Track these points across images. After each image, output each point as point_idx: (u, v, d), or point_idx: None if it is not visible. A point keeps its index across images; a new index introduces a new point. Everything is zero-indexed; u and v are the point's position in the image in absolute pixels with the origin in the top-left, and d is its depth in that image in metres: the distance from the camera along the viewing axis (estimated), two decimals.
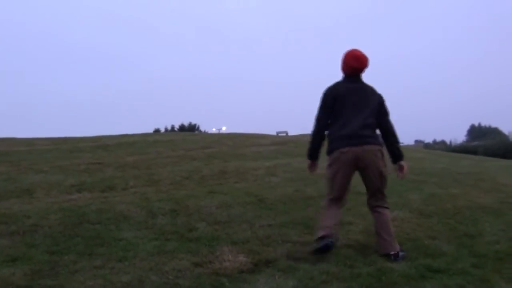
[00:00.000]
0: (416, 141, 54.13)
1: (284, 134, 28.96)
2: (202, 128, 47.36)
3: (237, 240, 3.92)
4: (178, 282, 3.06)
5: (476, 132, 77.31)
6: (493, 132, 46.78)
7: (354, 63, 3.79)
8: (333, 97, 3.75)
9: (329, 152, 3.81)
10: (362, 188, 6.02)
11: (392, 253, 3.53)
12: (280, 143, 11.54)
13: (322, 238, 3.52)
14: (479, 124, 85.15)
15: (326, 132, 3.85)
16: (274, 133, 28.34)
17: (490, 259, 3.54)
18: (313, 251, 3.55)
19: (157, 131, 40.18)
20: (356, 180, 6.74)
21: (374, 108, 3.78)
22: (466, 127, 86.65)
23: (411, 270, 3.26)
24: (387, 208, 3.80)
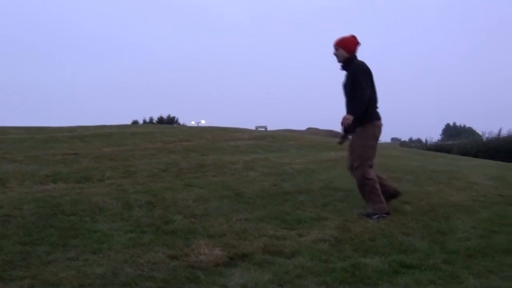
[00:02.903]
0: (393, 139, 54.70)
1: (263, 129, 29.00)
2: (181, 121, 47.05)
3: (213, 234, 3.93)
4: (153, 275, 3.05)
5: (451, 131, 78.50)
6: (467, 131, 47.53)
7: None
8: (369, 73, 4.78)
9: (370, 122, 4.78)
10: (338, 184, 6.13)
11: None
12: (259, 138, 11.55)
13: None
14: (454, 124, 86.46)
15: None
16: (253, 128, 28.36)
17: (460, 255, 3.62)
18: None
19: (135, 122, 39.77)
20: (334, 175, 6.80)
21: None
22: (442, 126, 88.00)
23: (384, 265, 3.31)
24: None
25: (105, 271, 3.08)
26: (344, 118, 4.70)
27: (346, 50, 4.81)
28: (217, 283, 2.95)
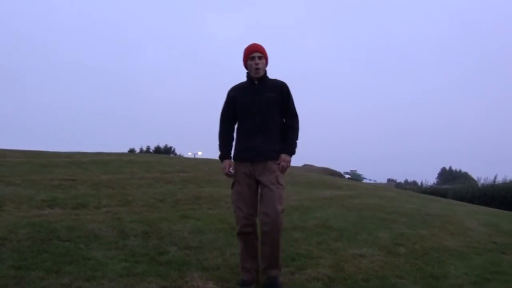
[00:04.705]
0: (389, 180, 54.91)
1: None
2: (177, 152, 47.15)
3: (207, 267, 3.94)
4: None
5: (446, 175, 78.80)
6: (463, 176, 47.77)
7: None
8: None
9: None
10: (333, 222, 6.16)
11: None
12: None
13: None
14: (450, 168, 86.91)
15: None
16: None
17: None
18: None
19: (131, 151, 39.81)
20: (329, 213, 6.83)
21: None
22: (437, 169, 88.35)
23: None
24: None
25: None
26: (287, 161, 3.69)
27: (267, 60, 3.77)
28: None
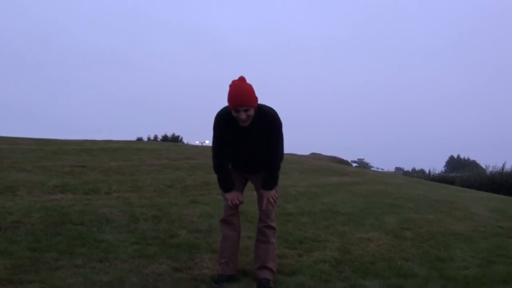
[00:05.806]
0: (396, 168, 54.83)
1: None
2: (185, 140, 47.17)
3: (216, 249, 4.00)
4: (157, 285, 3.16)
5: (454, 163, 78.49)
6: (471, 164, 47.46)
7: None
8: None
9: None
10: (340, 207, 6.22)
11: None
12: None
13: None
14: (458, 156, 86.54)
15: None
16: None
17: (459, 282, 3.70)
18: None
19: (139, 139, 39.92)
20: (336, 199, 6.88)
21: None
22: (445, 158, 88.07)
23: None
24: None
25: (111, 279, 3.18)
26: (272, 195, 3.56)
27: (256, 102, 3.30)
28: None
